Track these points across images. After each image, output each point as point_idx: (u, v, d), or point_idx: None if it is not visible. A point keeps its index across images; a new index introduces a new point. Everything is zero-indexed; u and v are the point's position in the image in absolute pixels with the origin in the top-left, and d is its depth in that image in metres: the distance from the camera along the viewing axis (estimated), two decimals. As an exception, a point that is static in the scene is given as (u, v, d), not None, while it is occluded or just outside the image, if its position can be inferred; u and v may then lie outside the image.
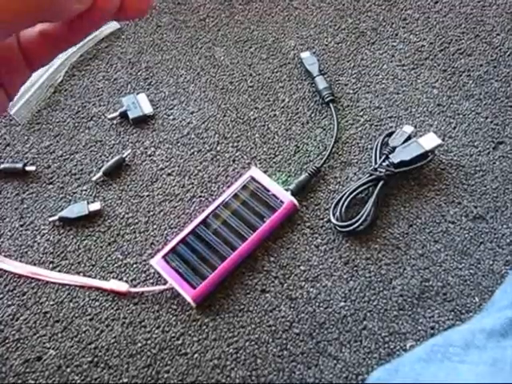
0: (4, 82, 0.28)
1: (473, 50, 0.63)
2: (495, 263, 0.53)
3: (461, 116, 0.60)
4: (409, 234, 0.54)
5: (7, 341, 0.51)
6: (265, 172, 0.57)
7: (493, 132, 0.59)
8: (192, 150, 0.59)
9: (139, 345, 0.51)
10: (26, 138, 0.61)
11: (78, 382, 0.49)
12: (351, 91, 0.61)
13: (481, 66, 0.62)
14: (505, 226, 0.54)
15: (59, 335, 0.51)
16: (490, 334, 0.32)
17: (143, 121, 0.61)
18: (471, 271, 0.53)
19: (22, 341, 0.51)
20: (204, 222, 0.54)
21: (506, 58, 0.62)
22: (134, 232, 0.56)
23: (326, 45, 0.64)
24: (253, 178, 0.56)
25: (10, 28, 0.25)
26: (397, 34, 0.65)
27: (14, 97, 0.30)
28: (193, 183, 0.57)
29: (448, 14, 0.65)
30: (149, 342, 0.51)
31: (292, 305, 0.52)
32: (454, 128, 0.59)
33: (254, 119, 0.60)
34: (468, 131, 0.59)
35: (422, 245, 0.54)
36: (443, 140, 0.58)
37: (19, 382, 0.49)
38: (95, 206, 0.56)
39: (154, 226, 0.56)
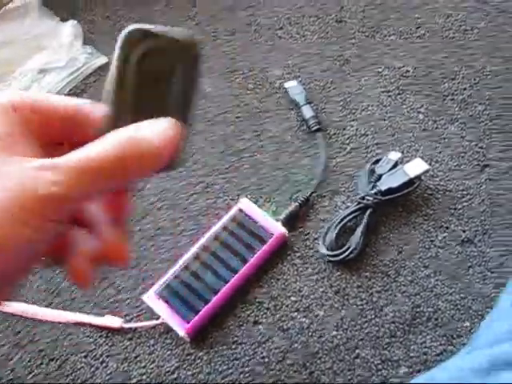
0: None
1: (456, 74, 0.64)
2: (485, 287, 0.53)
3: (446, 140, 0.60)
4: (398, 260, 0.55)
5: (1, 381, 0.51)
6: (254, 203, 0.58)
7: (478, 155, 0.59)
8: (181, 183, 0.60)
9: (134, 380, 0.51)
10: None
11: (74, 421, 0.49)
12: (337, 119, 0.62)
13: (464, 89, 0.63)
14: (493, 249, 0.55)
15: (54, 373, 0.51)
16: (478, 371, 0.32)
17: (133, 155, 0.61)
18: (461, 295, 0.53)
19: (16, 381, 0.51)
20: (195, 255, 0.55)
21: (488, 80, 0.63)
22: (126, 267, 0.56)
23: (312, 73, 0.65)
24: (242, 210, 0.56)
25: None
26: (381, 60, 0.65)
27: None
28: (183, 217, 0.58)
29: (431, 39, 0.66)
30: (144, 377, 0.51)
31: (285, 335, 0.52)
32: (440, 152, 0.60)
33: (242, 150, 0.61)
34: (454, 155, 0.59)
35: (412, 271, 0.54)
36: (429, 164, 0.59)
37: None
38: (87, 241, 0.57)
39: (146, 261, 0.56)
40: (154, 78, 0.29)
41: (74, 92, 0.66)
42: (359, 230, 0.55)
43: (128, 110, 0.28)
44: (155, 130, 0.26)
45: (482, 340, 0.36)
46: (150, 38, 0.29)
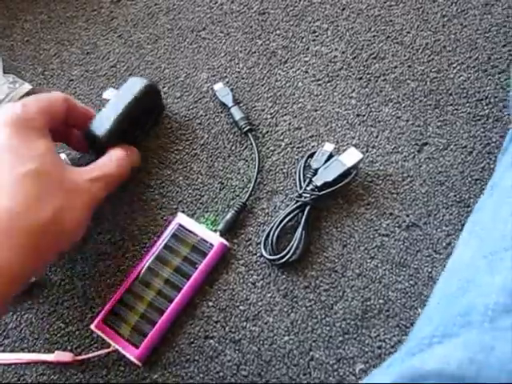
0: None
1: (385, 53, 0.62)
2: (434, 270, 0.52)
3: (382, 123, 0.59)
4: (344, 254, 0.54)
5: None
6: (193, 215, 0.56)
7: (415, 134, 0.58)
8: (118, 204, 0.58)
9: (91, 413, 0.50)
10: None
11: None
12: (269, 116, 0.60)
13: (395, 67, 0.61)
14: (439, 230, 0.54)
15: (10, 417, 0.51)
16: None
17: (67, 181, 0.60)
18: (411, 282, 0.52)
19: (-27, 430, 0.50)
20: (138, 277, 0.54)
21: (418, 55, 0.61)
22: (73, 298, 0.55)
23: (239, 71, 0.63)
24: (180, 225, 0.55)
25: None
26: (308, 49, 0.63)
27: None
28: (124, 238, 0.57)
29: (356, 20, 0.64)
30: (100, 408, 0.50)
31: (236, 347, 0.51)
32: (377, 137, 0.58)
33: (176, 162, 0.59)
34: (391, 138, 0.58)
35: (359, 264, 0.53)
36: (366, 151, 0.57)
37: None
38: (30, 277, 0.56)
39: (92, 289, 0.55)
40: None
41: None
42: (300, 229, 0.53)
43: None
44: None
45: (409, 344, 0.35)
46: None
